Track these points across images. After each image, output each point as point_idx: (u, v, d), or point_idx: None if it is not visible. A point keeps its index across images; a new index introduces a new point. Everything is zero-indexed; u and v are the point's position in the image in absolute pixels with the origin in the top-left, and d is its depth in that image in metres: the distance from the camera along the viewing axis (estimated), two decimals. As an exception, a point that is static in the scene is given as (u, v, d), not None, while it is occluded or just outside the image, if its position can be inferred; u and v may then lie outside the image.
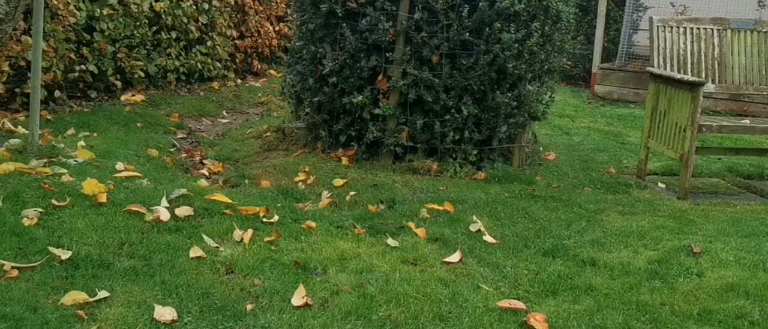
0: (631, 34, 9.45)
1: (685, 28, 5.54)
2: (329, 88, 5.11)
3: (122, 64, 6.58)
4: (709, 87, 5.36)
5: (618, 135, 6.87)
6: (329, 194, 4.41)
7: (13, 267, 3.01)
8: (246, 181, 4.72)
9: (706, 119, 5.21)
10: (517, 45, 4.91)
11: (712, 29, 5.58)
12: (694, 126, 4.82)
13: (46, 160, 4.29)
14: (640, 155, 5.50)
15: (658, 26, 5.45)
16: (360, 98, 4.98)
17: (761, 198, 5.16)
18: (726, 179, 5.68)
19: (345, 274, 3.28)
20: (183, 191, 4.08)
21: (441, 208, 4.26)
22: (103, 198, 3.80)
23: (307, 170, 4.85)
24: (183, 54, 7.52)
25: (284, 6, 9.57)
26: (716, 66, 5.55)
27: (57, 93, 5.89)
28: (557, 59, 5.60)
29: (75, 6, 5.86)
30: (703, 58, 5.52)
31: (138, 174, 4.37)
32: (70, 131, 5.27)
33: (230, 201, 4.03)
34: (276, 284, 3.12)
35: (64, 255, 3.16)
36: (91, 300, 2.84)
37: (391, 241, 3.69)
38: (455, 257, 3.54)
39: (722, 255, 3.80)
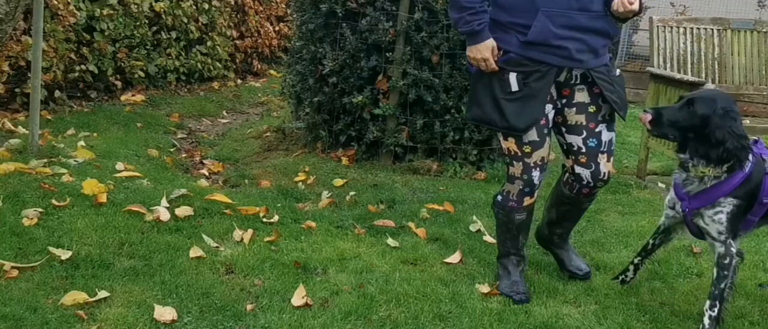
0: (631, 34, 9.44)
1: (685, 28, 5.54)
2: (329, 88, 5.11)
3: (122, 64, 6.58)
4: (709, 87, 5.35)
5: (618, 135, 6.84)
6: (329, 194, 4.41)
7: (13, 267, 3.01)
8: (246, 181, 4.72)
9: (706, 119, 5.20)
10: (517, 45, 4.91)
11: (712, 29, 5.58)
12: (694, 126, 4.81)
13: (46, 160, 4.30)
14: (640, 155, 5.50)
15: (658, 26, 5.45)
16: (360, 98, 4.98)
17: (761, 198, 5.15)
18: (726, 179, 5.67)
19: (345, 274, 3.28)
20: (183, 191, 4.08)
21: (441, 208, 4.26)
22: (103, 198, 3.80)
23: (307, 170, 4.85)
24: (183, 54, 7.52)
25: (284, 6, 9.57)
26: (716, 66, 5.55)
27: (57, 93, 5.89)
28: (557, 59, 5.60)
29: (75, 6, 5.85)
30: (703, 58, 5.51)
31: (138, 174, 4.37)
32: (70, 131, 5.27)
33: (230, 201, 4.03)
34: (276, 284, 3.12)
35: (64, 255, 3.16)
36: (91, 300, 2.84)
37: (391, 241, 3.69)
38: (455, 257, 3.53)
39: (722, 255, 3.79)
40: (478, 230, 3.93)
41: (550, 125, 3.07)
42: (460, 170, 5.01)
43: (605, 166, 3.10)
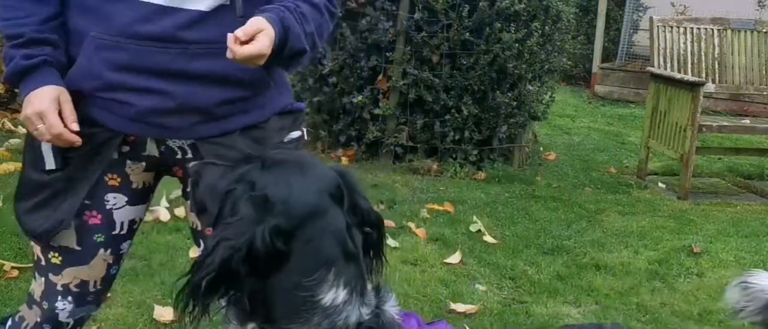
0: (631, 34, 9.45)
1: (685, 28, 5.54)
2: (329, 88, 5.10)
3: (122, 64, 6.57)
4: (709, 87, 5.36)
5: (618, 135, 6.87)
6: (329, 194, 4.41)
7: (13, 267, 3.01)
8: (246, 181, 4.71)
9: (706, 119, 5.21)
10: (517, 45, 4.91)
11: (712, 29, 5.58)
12: (695, 126, 4.82)
13: (46, 160, 4.29)
14: (640, 155, 5.50)
15: (658, 26, 5.45)
16: (360, 98, 4.98)
17: (761, 198, 5.16)
18: (726, 179, 5.69)
19: (345, 274, 3.27)
20: (183, 191, 4.07)
21: (441, 208, 4.26)
22: (103, 198, 3.80)
23: (307, 170, 4.84)
24: (183, 54, 7.51)
25: (284, 6, 9.56)
26: (716, 66, 5.55)
27: (57, 93, 5.88)
28: (557, 59, 5.61)
29: (75, 6, 5.85)
30: (703, 58, 5.52)
31: (138, 174, 4.36)
32: (70, 131, 5.27)
33: (230, 201, 4.02)
34: (276, 284, 3.12)
35: (64, 255, 3.15)
36: (91, 300, 2.84)
37: (391, 241, 3.69)
38: (455, 257, 3.53)
39: (722, 255, 3.80)
40: (478, 230, 3.92)
41: (122, 231, 1.80)
42: (460, 170, 5.01)
43: None
